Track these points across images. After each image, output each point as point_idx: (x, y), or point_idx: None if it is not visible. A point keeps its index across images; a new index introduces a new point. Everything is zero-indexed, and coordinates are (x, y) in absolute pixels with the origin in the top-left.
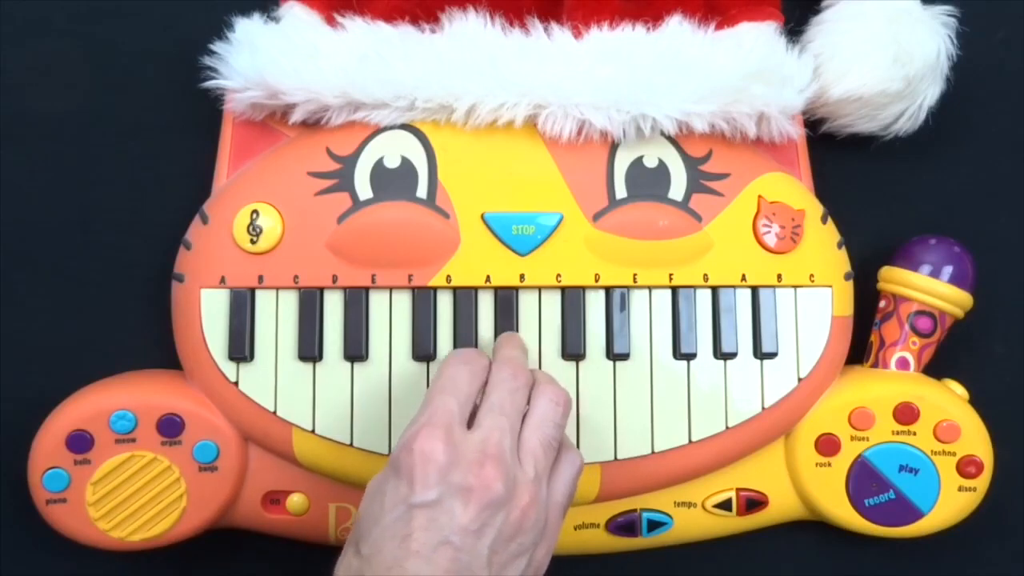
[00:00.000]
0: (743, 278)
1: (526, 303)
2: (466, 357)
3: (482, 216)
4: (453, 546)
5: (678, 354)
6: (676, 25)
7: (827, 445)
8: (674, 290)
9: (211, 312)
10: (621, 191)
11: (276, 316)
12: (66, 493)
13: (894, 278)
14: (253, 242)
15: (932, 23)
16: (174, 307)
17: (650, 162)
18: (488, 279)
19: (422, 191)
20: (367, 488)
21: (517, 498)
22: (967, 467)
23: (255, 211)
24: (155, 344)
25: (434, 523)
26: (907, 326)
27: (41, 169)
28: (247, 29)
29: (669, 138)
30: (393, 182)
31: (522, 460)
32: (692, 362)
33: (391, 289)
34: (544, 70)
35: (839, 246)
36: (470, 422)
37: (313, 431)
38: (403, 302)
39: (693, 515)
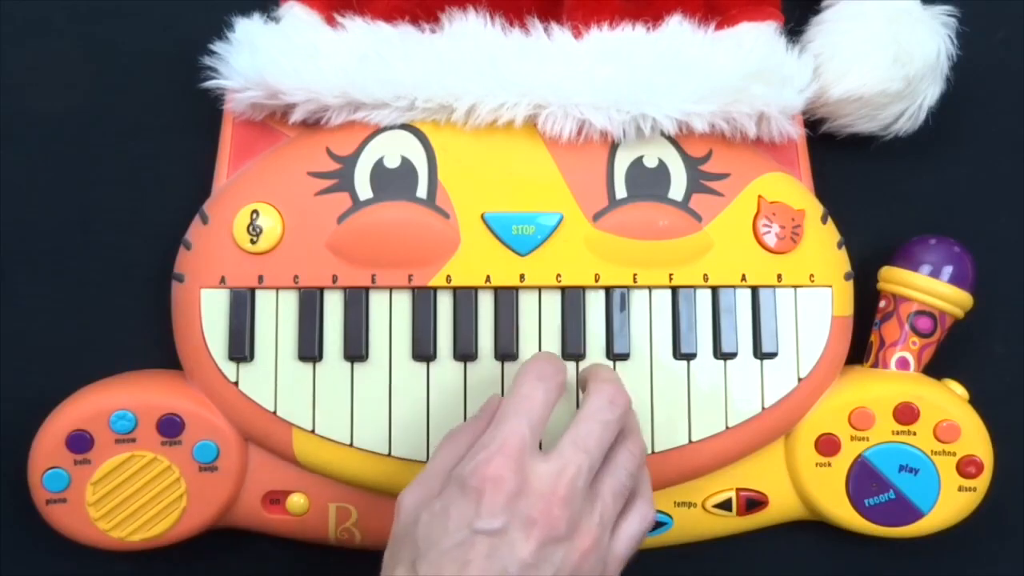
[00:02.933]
0: (743, 278)
1: (526, 303)
2: (543, 372)
3: (482, 216)
4: None
5: (678, 354)
6: (676, 25)
7: (827, 445)
8: (674, 290)
9: (211, 312)
10: (621, 191)
11: (276, 316)
12: (66, 493)
13: (894, 278)
14: (253, 242)
15: (932, 23)
16: (174, 307)
17: (650, 162)
18: (488, 279)
19: (422, 191)
20: (415, 502)
21: (578, 540)
22: (967, 467)
23: (255, 211)
24: (155, 344)
25: (496, 552)
26: (907, 326)
27: (41, 169)
28: (247, 29)
29: (669, 138)
30: (393, 182)
31: (591, 503)
32: (692, 362)
33: (391, 289)
34: (544, 70)
35: (839, 246)
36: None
37: (313, 431)
38: (403, 302)
39: (693, 515)
